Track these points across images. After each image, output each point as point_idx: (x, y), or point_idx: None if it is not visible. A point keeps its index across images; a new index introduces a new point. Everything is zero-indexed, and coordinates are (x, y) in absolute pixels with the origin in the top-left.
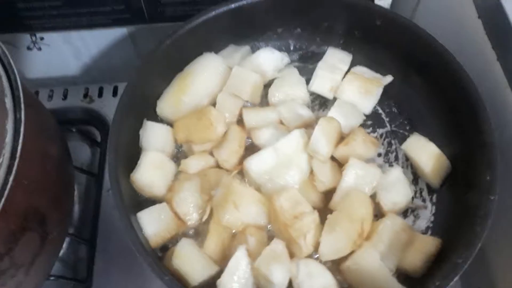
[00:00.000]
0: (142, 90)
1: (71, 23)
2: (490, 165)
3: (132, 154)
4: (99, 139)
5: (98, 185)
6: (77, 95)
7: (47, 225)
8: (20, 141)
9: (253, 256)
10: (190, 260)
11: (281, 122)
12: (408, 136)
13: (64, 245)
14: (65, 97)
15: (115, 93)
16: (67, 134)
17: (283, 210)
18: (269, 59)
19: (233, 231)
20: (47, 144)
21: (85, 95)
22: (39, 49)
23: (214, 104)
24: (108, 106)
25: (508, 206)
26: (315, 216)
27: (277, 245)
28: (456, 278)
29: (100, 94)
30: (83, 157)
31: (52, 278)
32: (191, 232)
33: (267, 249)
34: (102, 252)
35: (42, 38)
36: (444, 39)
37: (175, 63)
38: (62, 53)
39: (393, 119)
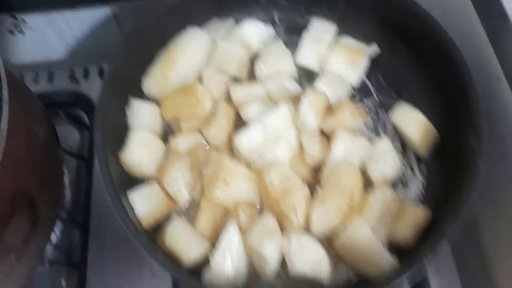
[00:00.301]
0: (126, 68)
1: (53, 2)
2: (475, 130)
3: (120, 134)
4: (87, 121)
5: (89, 168)
6: (62, 78)
7: (37, 208)
8: (6, 120)
9: (245, 232)
10: (183, 239)
11: (269, 97)
12: (396, 106)
13: (57, 231)
14: (50, 80)
15: (101, 74)
16: (55, 118)
17: (273, 186)
18: (254, 31)
19: (225, 208)
20: (33, 125)
21: (71, 77)
22: (22, 32)
23: (200, 80)
24: (94, 88)
25: (497, 179)
26: (305, 191)
27: (268, 220)
28: (445, 245)
29: (86, 76)
30: (72, 141)
31: (46, 264)
32: (183, 211)
33: (259, 225)
34: (96, 236)
35: (24, 21)
36: (428, 3)
37: (159, 38)
38: (46, 36)
39: (380, 90)
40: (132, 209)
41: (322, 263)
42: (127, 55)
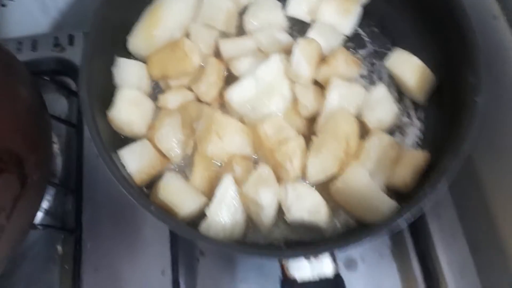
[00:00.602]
0: (109, 23)
1: None
2: (473, 67)
3: (108, 94)
4: (75, 88)
5: (79, 135)
6: (47, 45)
7: (25, 168)
8: None
9: (240, 184)
10: (177, 192)
11: (260, 50)
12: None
13: (50, 197)
14: (34, 48)
15: None
16: (43, 87)
17: (267, 137)
18: None
19: (219, 163)
20: (16, 86)
21: (55, 45)
22: (3, 5)
23: (187, 36)
24: (80, 54)
25: (495, 119)
26: (300, 141)
27: (263, 169)
28: (445, 184)
29: (71, 42)
30: (61, 108)
31: (40, 227)
32: (176, 167)
33: (254, 174)
34: (89, 201)
35: None
36: None
37: None
38: (28, 8)
39: (374, 39)
40: (124, 166)
41: (319, 209)
42: (110, 11)
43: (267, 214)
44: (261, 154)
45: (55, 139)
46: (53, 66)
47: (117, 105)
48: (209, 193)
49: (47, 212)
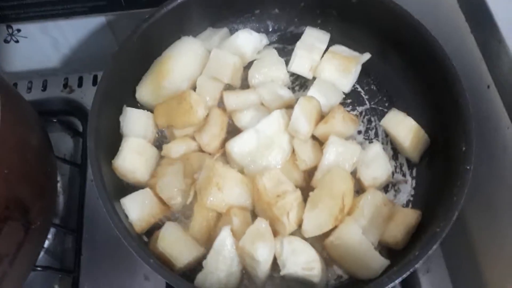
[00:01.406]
0: (120, 75)
1: (46, 12)
2: (466, 136)
3: (114, 142)
4: (81, 129)
5: (82, 175)
6: (56, 86)
7: (30, 214)
8: None
9: (238, 236)
10: (175, 243)
11: (262, 104)
12: (387, 112)
13: (51, 236)
14: (44, 88)
15: (95, 82)
16: (49, 125)
17: (266, 190)
18: (248, 40)
19: (218, 213)
20: (27, 132)
21: (65, 86)
22: (17, 41)
23: (194, 88)
24: (88, 96)
25: (486, 180)
26: (297, 194)
27: (261, 224)
28: (435, 247)
29: (80, 84)
30: (66, 148)
31: (38, 269)
32: (176, 216)
33: (251, 228)
34: (89, 242)
35: (19, 30)
36: (418, 12)
37: (153, 48)
38: (40, 44)
39: (372, 97)
40: (125, 215)
41: (314, 265)
42: (121, 63)
43: (263, 268)
44: (259, 206)
45: (58, 177)
46: (61, 106)
47: (122, 154)
48: (207, 242)
49: (46, 251)
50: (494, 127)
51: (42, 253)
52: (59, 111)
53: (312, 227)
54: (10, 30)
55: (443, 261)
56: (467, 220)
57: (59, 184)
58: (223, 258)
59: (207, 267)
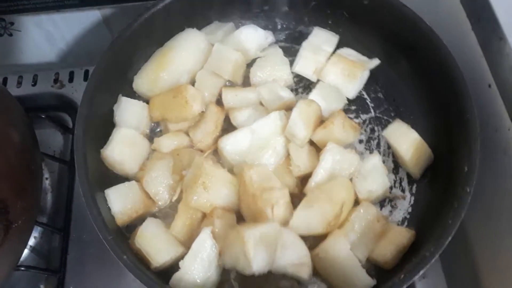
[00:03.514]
0: (117, 62)
1: (38, 5)
2: (470, 156)
3: (106, 131)
4: (71, 125)
5: (71, 173)
6: (47, 81)
7: (9, 214)
8: None
9: (218, 238)
10: (153, 240)
11: (261, 104)
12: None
13: (37, 235)
14: (35, 83)
15: (86, 77)
16: (38, 121)
17: (252, 181)
18: (252, 36)
19: (203, 213)
20: (9, 130)
21: (55, 81)
22: (10, 35)
23: (193, 82)
24: (79, 91)
25: (486, 189)
26: (285, 191)
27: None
28: (422, 272)
29: (71, 79)
30: (56, 145)
31: (22, 268)
32: (160, 213)
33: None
34: (76, 241)
35: (12, 23)
36: (419, 8)
37: (156, 38)
38: (34, 38)
39: (378, 105)
40: (108, 207)
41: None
42: (120, 50)
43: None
44: (244, 202)
45: (47, 174)
46: (51, 101)
47: (111, 144)
48: (188, 242)
49: (32, 250)
50: (495, 128)
51: (28, 252)
52: (49, 107)
53: (300, 224)
54: (4, 23)
55: (440, 266)
56: (464, 224)
57: (47, 182)
58: (200, 260)
59: (184, 267)
